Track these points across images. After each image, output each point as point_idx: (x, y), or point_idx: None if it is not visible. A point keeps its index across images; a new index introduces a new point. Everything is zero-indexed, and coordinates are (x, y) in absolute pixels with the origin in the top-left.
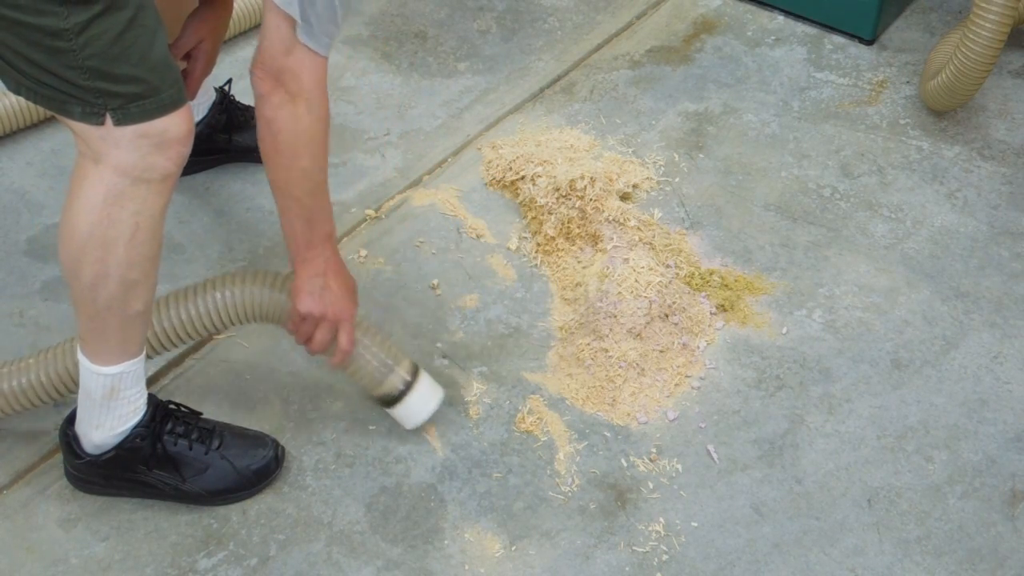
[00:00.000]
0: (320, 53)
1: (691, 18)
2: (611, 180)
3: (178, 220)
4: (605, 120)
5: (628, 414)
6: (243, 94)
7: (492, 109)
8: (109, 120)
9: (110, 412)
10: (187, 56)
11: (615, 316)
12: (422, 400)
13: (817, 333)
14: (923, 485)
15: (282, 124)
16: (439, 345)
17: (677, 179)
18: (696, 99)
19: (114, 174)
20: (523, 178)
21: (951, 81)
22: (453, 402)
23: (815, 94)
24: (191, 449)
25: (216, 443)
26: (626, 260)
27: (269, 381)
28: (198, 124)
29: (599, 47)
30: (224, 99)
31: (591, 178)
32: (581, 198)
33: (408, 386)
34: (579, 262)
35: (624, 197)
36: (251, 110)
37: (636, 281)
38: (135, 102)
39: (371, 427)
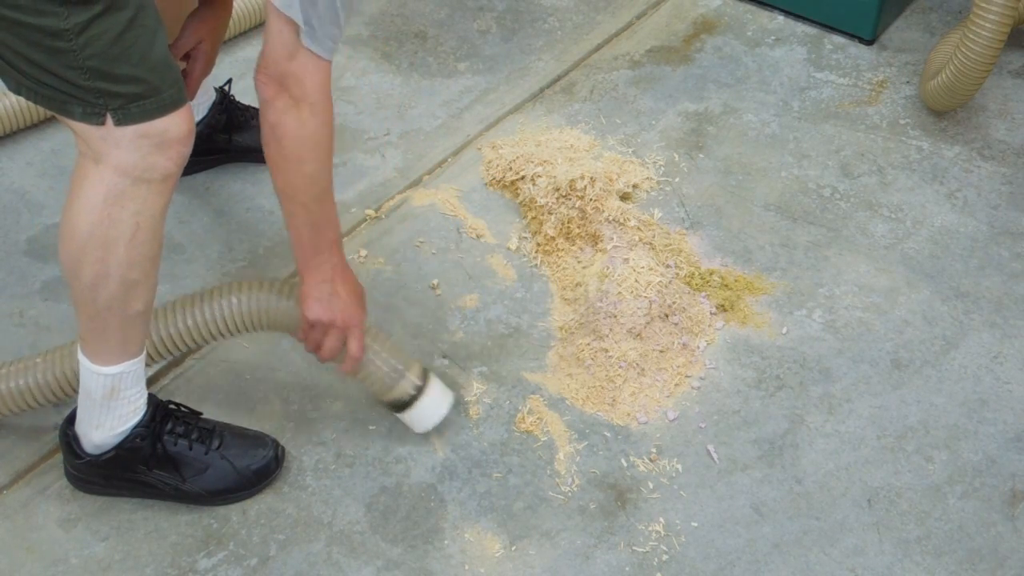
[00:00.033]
0: (323, 57)
1: (691, 18)
2: (611, 180)
3: (178, 220)
4: (605, 120)
5: (628, 414)
6: (243, 94)
7: (492, 109)
8: (110, 120)
9: (110, 412)
10: (186, 56)
11: (615, 316)
12: (433, 404)
13: (817, 333)
14: (923, 485)
15: (287, 129)
16: (439, 345)
17: (677, 179)
18: (696, 99)
19: (115, 174)
20: (523, 178)
21: (951, 81)
22: (453, 402)
23: (815, 94)
24: (191, 449)
25: (216, 443)
26: (626, 260)
27: (269, 381)
28: (198, 124)
29: (599, 47)
30: (224, 99)
31: (591, 178)
32: (581, 198)
33: (419, 391)
34: (579, 262)
35: (624, 197)
36: (251, 110)
37: (636, 281)
38: (135, 102)
39: (371, 427)
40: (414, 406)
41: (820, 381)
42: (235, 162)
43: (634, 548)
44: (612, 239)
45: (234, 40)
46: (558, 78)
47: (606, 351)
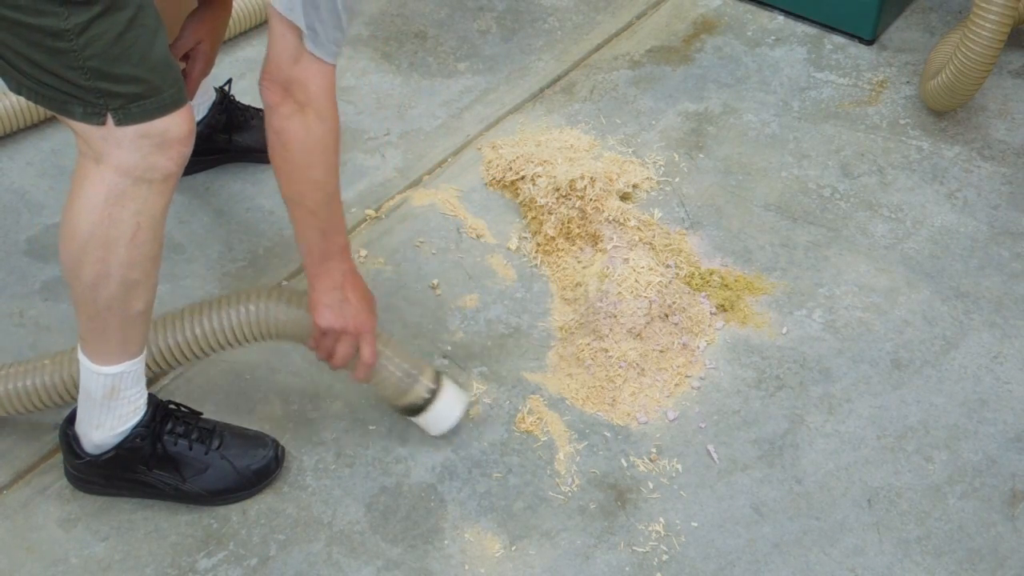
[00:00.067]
0: (327, 61)
1: (691, 18)
2: (611, 180)
3: (178, 220)
4: (605, 120)
5: (628, 414)
6: (243, 94)
7: (492, 109)
8: (110, 120)
9: (110, 412)
10: (185, 57)
11: (615, 316)
12: (447, 407)
13: (817, 333)
14: (923, 485)
15: (292, 135)
16: (439, 345)
17: (677, 179)
18: (696, 99)
19: (115, 174)
20: (523, 178)
21: (951, 81)
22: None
23: (815, 94)
24: (191, 449)
25: (216, 443)
26: (626, 260)
27: (269, 381)
28: (198, 124)
29: (599, 47)
30: (224, 99)
31: (591, 178)
32: (581, 198)
33: (433, 394)
34: (579, 262)
35: (624, 197)
36: (251, 110)
37: (636, 281)
38: (136, 102)
39: (371, 427)
40: (428, 409)
41: (820, 381)
42: (235, 162)
43: (634, 548)
44: (612, 239)
45: (234, 40)
46: (558, 78)
47: (606, 351)
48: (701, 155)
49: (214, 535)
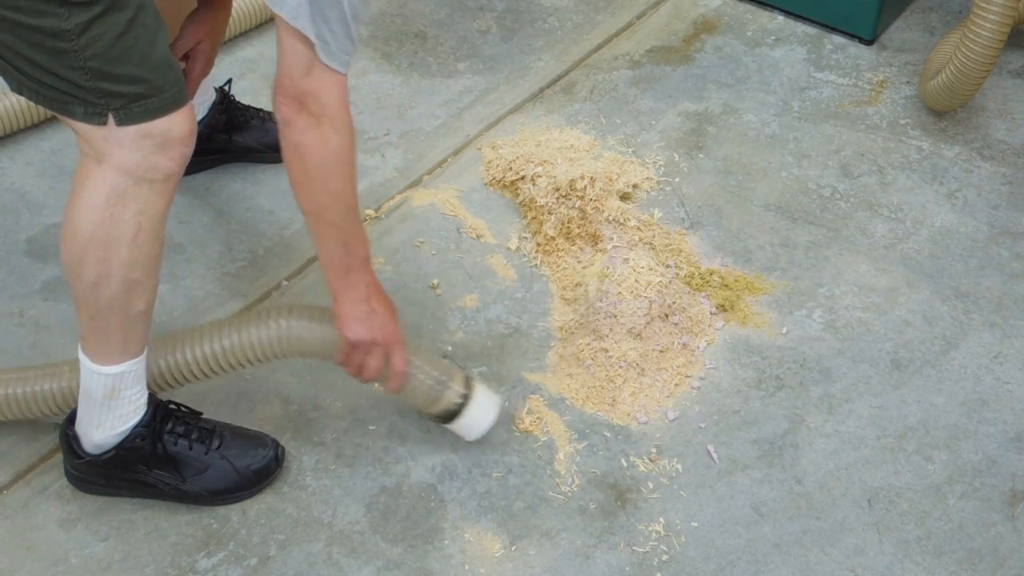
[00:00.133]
0: (339, 71)
1: (691, 18)
2: (611, 180)
3: (178, 220)
4: (605, 120)
5: (628, 414)
6: (243, 94)
7: (492, 109)
8: (111, 120)
9: (110, 412)
10: (185, 57)
11: (615, 316)
12: (481, 411)
13: (817, 333)
14: (923, 485)
15: (310, 148)
16: (439, 345)
17: (677, 179)
18: (696, 99)
19: (117, 174)
20: (523, 178)
21: (951, 81)
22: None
23: (815, 94)
24: (191, 449)
25: (216, 443)
26: (626, 260)
27: (269, 381)
28: (198, 124)
29: (599, 47)
30: (224, 99)
31: (591, 178)
32: (581, 198)
33: (465, 399)
34: (579, 262)
35: (624, 197)
36: (251, 110)
37: (636, 281)
38: (137, 102)
39: (371, 427)
40: (462, 415)
41: (820, 381)
42: (235, 162)
43: (634, 548)
44: (612, 239)
45: (234, 40)
46: (558, 78)
47: (606, 351)
48: (701, 155)
49: (214, 535)
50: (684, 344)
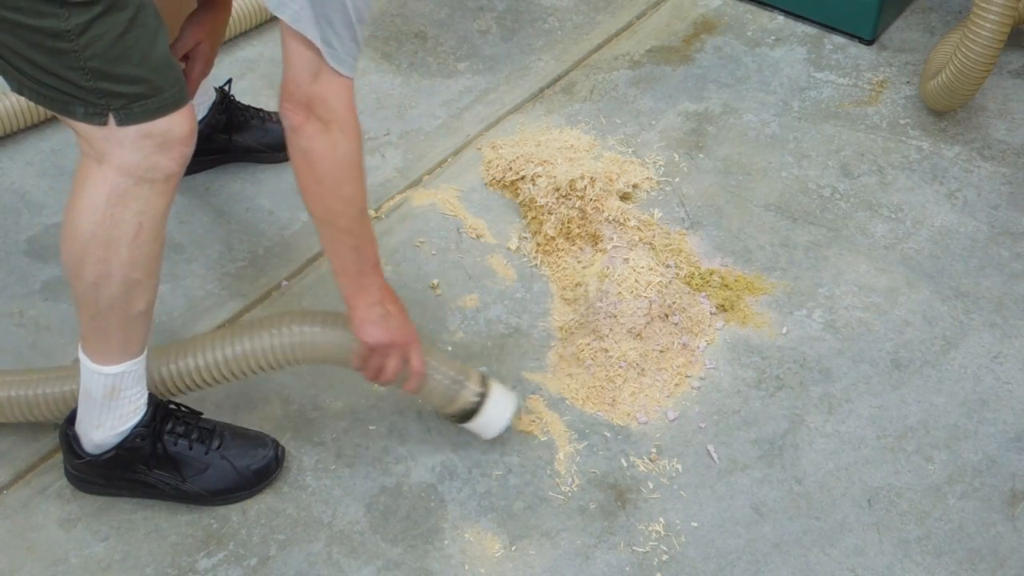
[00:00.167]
0: (346, 75)
1: (691, 18)
2: (611, 180)
3: (178, 220)
4: (605, 120)
5: (628, 414)
6: (243, 94)
7: (492, 109)
8: (112, 120)
9: (111, 412)
10: (185, 57)
11: (615, 316)
12: (497, 410)
13: (817, 333)
14: (923, 485)
15: (320, 153)
16: (439, 345)
17: (677, 179)
18: (696, 99)
19: (117, 174)
20: (523, 178)
21: (951, 81)
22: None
23: (815, 94)
24: (191, 449)
25: (216, 443)
26: (626, 260)
27: (269, 381)
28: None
29: (599, 47)
30: (224, 99)
31: (591, 178)
32: (581, 198)
33: (482, 397)
34: (579, 262)
35: (624, 197)
36: (251, 110)
37: (636, 281)
38: (138, 102)
39: (371, 427)
40: (479, 414)
41: (820, 381)
42: (235, 162)
43: (634, 548)
44: (612, 239)
45: (234, 40)
46: (558, 78)
47: (606, 351)
48: (701, 155)
49: (214, 535)
50: (684, 344)
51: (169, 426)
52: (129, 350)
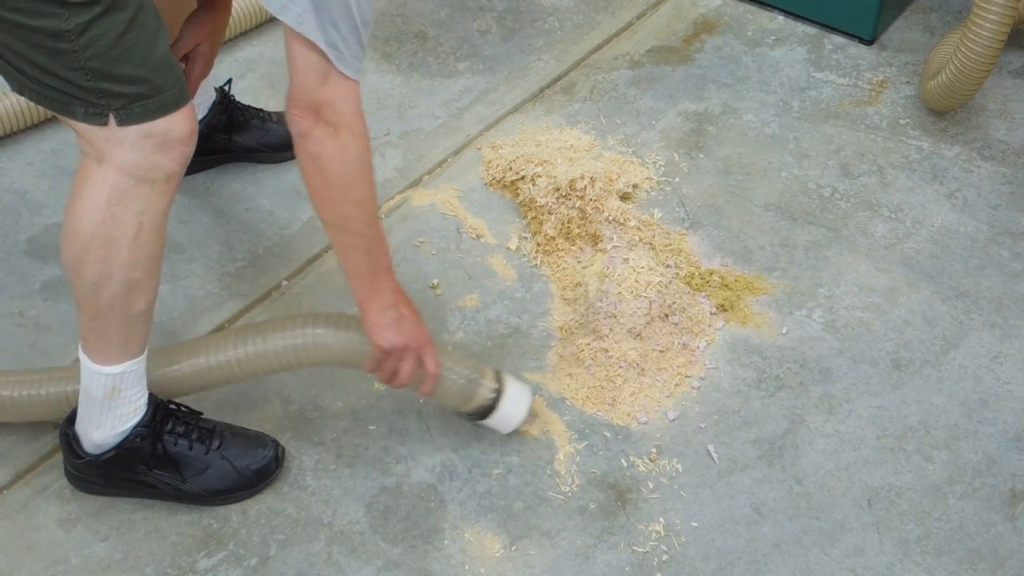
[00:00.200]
0: (353, 78)
1: (691, 18)
2: (611, 180)
3: (178, 220)
4: (605, 120)
5: (628, 414)
6: (243, 94)
7: (492, 109)
8: (112, 120)
9: (111, 412)
10: (185, 58)
11: (615, 316)
12: (514, 404)
13: (817, 333)
14: (923, 485)
15: (329, 158)
16: (439, 345)
17: (677, 179)
18: (696, 99)
19: (118, 174)
20: (523, 178)
21: (951, 81)
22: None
23: (815, 94)
24: (191, 449)
25: (216, 443)
26: (626, 260)
27: (269, 381)
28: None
29: (599, 47)
30: (224, 99)
31: (591, 178)
32: (581, 198)
33: (498, 393)
34: (579, 262)
35: (624, 197)
36: (251, 110)
37: (636, 281)
38: (138, 102)
39: (371, 427)
40: (497, 409)
41: (820, 381)
42: (235, 162)
43: (634, 548)
44: (612, 239)
45: (234, 40)
46: (558, 78)
47: (606, 351)
48: (701, 155)
49: (214, 535)
50: (684, 344)
51: (169, 426)
52: (129, 350)
